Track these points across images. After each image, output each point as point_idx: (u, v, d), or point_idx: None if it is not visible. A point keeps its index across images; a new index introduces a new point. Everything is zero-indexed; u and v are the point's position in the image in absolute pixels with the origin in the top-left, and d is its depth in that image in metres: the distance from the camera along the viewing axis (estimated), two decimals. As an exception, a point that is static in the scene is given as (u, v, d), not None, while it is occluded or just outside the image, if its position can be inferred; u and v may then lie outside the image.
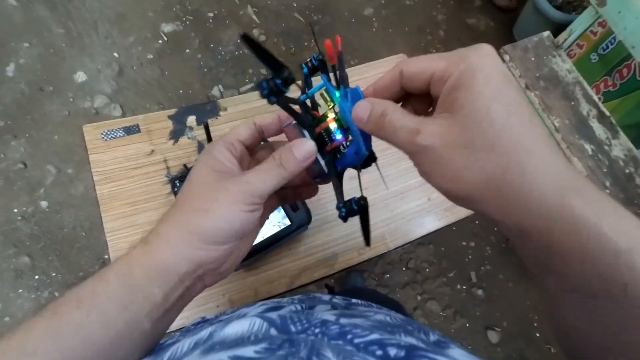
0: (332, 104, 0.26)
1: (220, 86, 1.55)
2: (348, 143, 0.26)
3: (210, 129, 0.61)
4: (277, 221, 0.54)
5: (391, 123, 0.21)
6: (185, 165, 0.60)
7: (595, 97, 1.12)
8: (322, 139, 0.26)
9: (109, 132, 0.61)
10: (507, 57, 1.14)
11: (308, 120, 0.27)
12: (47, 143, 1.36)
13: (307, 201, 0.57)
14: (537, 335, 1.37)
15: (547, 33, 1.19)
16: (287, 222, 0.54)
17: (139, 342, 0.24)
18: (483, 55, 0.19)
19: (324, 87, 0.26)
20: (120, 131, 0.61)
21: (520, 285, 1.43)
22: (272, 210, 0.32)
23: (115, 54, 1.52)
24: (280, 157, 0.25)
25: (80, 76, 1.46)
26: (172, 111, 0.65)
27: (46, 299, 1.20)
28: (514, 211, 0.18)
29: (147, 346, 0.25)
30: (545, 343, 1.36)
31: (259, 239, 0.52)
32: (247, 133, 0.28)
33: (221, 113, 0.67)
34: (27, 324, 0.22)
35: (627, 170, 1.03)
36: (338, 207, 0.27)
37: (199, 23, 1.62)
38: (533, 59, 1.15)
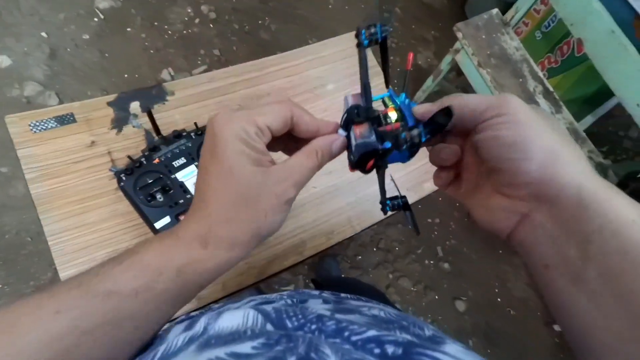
0: (392, 106, 0.28)
1: (170, 69, 1.44)
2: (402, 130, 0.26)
3: (157, 116, 0.56)
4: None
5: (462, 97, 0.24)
6: (129, 157, 0.54)
7: (541, 74, 1.18)
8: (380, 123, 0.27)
9: (37, 124, 0.54)
10: (460, 35, 1.16)
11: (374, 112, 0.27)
12: (-31, 138, 1.19)
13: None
14: (499, 300, 1.48)
15: (495, 11, 1.23)
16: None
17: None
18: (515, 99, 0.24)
19: (389, 96, 0.28)
20: (52, 121, 0.54)
21: (482, 256, 1.53)
22: None
23: (44, 34, 1.35)
24: (321, 153, 0.26)
25: (4, 60, 1.29)
26: (112, 97, 0.59)
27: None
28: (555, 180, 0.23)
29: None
30: (506, 307, 1.47)
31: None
32: (279, 123, 0.25)
33: (168, 98, 0.61)
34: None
35: (568, 142, 1.11)
36: (382, 203, 0.29)
37: (140, -1, 1.49)
38: (484, 36, 1.18)
